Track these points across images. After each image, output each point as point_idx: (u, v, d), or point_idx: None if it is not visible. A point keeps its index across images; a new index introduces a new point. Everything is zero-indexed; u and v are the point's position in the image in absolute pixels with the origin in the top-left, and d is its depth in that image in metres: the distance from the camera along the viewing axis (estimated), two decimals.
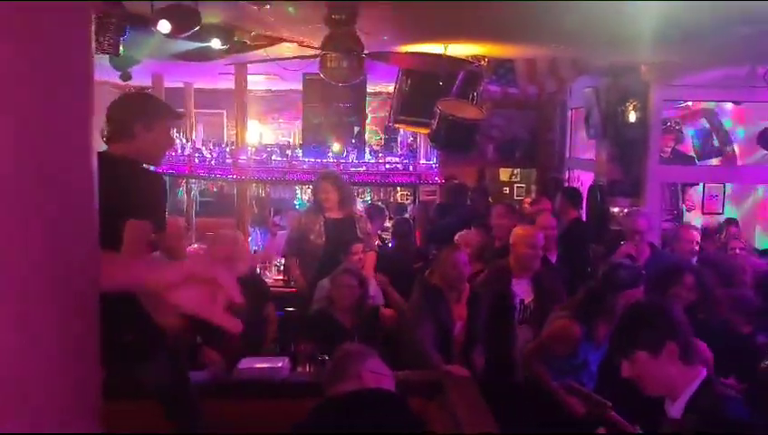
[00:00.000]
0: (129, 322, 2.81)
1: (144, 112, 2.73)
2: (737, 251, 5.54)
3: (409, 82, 5.03)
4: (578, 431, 3.31)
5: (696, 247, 5.04)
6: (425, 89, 4.94)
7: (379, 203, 7.01)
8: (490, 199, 7.23)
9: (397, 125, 5.78)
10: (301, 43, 4.27)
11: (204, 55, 4.13)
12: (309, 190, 7.62)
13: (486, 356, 4.12)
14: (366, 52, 3.91)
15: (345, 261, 4.49)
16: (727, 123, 7.60)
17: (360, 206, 5.95)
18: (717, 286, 4.10)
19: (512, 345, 4.10)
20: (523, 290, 4.26)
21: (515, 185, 9.89)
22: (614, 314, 3.16)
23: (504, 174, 9.89)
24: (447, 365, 3.72)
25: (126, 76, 4.55)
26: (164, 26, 3.49)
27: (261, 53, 4.56)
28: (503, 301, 4.20)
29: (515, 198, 9.53)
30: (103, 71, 5.21)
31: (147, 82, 7.65)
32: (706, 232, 6.23)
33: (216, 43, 3.99)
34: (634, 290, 3.41)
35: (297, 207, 7.89)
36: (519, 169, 9.72)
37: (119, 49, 3.85)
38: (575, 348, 3.47)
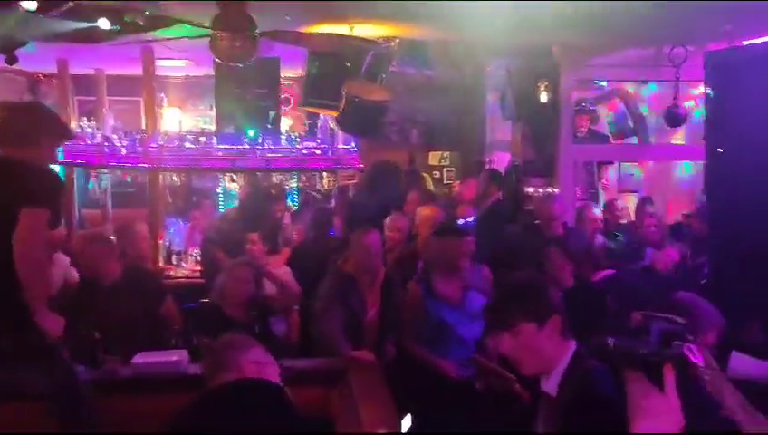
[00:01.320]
0: (4, 326, 2.70)
1: (49, 126, 3.00)
2: (652, 229, 5.70)
3: (317, 63, 4.94)
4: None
5: (601, 224, 5.16)
6: (332, 71, 4.85)
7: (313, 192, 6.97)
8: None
9: (305, 108, 5.68)
10: (199, 25, 4.10)
11: (93, 36, 3.92)
12: (231, 178, 7.52)
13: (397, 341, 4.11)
14: (259, 31, 3.80)
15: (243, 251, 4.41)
16: (644, 109, 7.78)
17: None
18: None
19: None
20: None
21: (445, 169, 9.92)
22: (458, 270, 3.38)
23: (433, 158, 9.91)
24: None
25: (11, 60, 4.31)
26: (29, 4, 3.32)
27: (157, 34, 4.39)
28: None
29: (445, 181, 9.58)
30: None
31: (52, 69, 7.31)
32: (609, 206, 6.39)
33: (104, 24, 3.79)
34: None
35: (220, 195, 7.73)
36: (449, 153, 9.77)
37: None
38: (422, 308, 3.55)
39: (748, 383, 2.06)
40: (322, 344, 3.86)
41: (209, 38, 3.95)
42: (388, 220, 4.84)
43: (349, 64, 4.70)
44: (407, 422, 2.22)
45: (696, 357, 1.11)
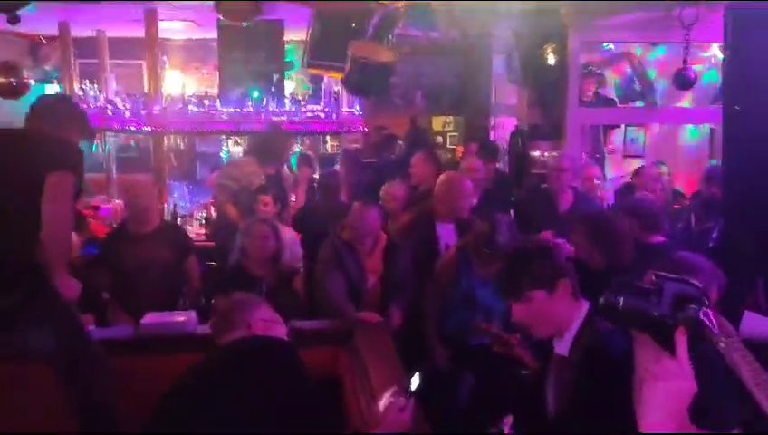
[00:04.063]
0: (18, 283, 2.72)
1: (76, 124, 3.15)
2: (657, 192, 5.68)
3: (322, 25, 4.87)
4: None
5: (597, 182, 5.15)
6: (338, 32, 4.78)
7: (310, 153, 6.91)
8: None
9: (310, 70, 5.61)
10: None
11: None
12: (233, 142, 7.49)
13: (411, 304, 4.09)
14: None
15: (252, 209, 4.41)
16: (651, 73, 7.68)
17: None
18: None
19: None
20: (448, 234, 4.23)
21: (449, 134, 9.85)
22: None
23: (437, 123, 9.83)
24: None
25: (13, 19, 4.27)
26: None
27: None
28: (427, 245, 4.18)
29: (448, 146, 9.52)
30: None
31: (53, 31, 7.23)
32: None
33: None
34: None
35: (224, 159, 7.71)
36: (452, 118, 9.68)
37: None
38: (455, 276, 3.51)
39: (761, 343, 2.07)
40: (326, 309, 3.88)
41: None
42: (384, 188, 4.82)
43: (354, 25, 4.63)
44: (415, 380, 2.23)
45: (712, 323, 1.05)
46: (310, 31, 5.04)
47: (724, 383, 1.21)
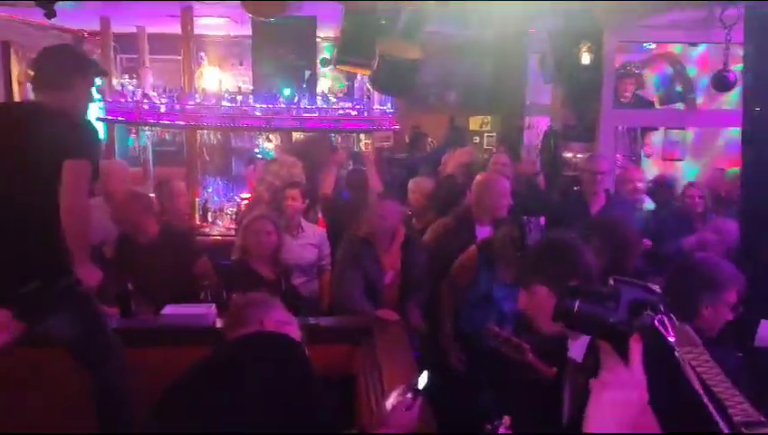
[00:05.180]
0: (35, 268, 2.78)
1: (82, 65, 3.03)
2: (696, 199, 5.50)
3: (351, 22, 4.85)
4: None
5: (640, 185, 5.00)
6: (367, 29, 4.76)
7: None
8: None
9: (340, 67, 5.62)
10: None
11: None
12: (267, 138, 7.56)
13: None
14: None
15: (280, 205, 4.40)
16: (691, 71, 7.46)
17: None
18: None
19: None
20: (486, 235, 4.19)
21: (486, 134, 9.73)
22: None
23: (473, 123, 9.73)
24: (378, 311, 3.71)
25: (50, 13, 4.37)
26: None
27: None
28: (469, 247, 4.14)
29: (485, 147, 9.41)
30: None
31: (95, 26, 7.40)
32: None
33: None
34: None
35: (259, 156, 7.78)
36: (489, 118, 9.57)
37: None
38: (474, 276, 3.46)
39: None
40: (344, 307, 3.88)
41: None
42: (411, 184, 4.79)
43: (384, 22, 4.61)
44: (423, 379, 2.21)
45: (668, 331, 1.01)
46: (340, 28, 5.04)
47: (672, 394, 1.17)
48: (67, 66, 2.97)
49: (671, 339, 1.01)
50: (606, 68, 5.73)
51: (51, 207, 2.71)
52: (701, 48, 7.28)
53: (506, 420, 2.08)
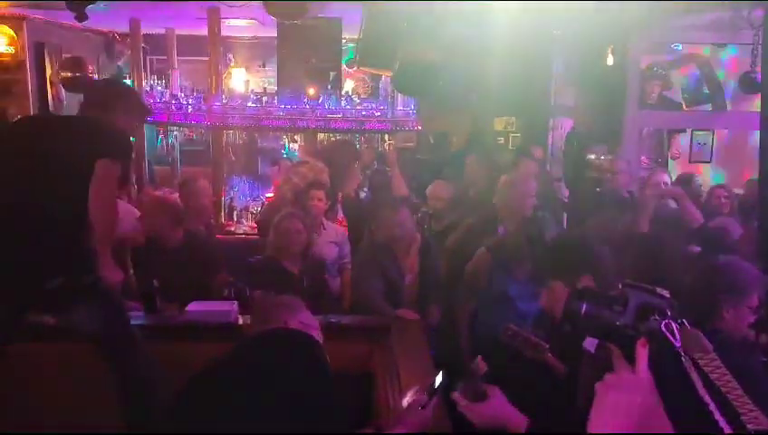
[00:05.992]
0: (60, 265, 2.87)
1: (130, 105, 3.21)
2: (722, 200, 5.44)
3: (373, 24, 4.90)
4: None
5: (664, 187, 4.94)
6: (389, 31, 4.80)
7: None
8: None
9: (361, 68, 5.66)
10: None
11: None
12: (293, 138, 7.65)
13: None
14: None
15: (305, 206, 4.46)
16: (720, 75, 7.36)
17: None
18: None
19: None
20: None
21: (511, 135, 9.69)
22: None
23: (498, 123, 9.69)
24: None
25: (81, 16, 4.48)
26: None
27: None
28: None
29: (510, 148, 9.36)
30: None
31: (125, 28, 7.55)
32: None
33: None
34: None
35: (285, 156, 7.88)
36: (514, 119, 9.52)
37: None
38: (488, 276, 3.48)
39: None
40: (364, 308, 3.92)
41: None
42: (429, 188, 4.81)
43: (406, 24, 4.64)
44: (439, 378, 2.24)
45: (675, 336, 1.02)
46: (362, 29, 5.09)
47: (677, 399, 1.17)
48: (113, 99, 3.13)
49: (677, 344, 1.01)
50: (630, 70, 5.68)
51: (80, 205, 2.80)
52: (731, 51, 7.18)
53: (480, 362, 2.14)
